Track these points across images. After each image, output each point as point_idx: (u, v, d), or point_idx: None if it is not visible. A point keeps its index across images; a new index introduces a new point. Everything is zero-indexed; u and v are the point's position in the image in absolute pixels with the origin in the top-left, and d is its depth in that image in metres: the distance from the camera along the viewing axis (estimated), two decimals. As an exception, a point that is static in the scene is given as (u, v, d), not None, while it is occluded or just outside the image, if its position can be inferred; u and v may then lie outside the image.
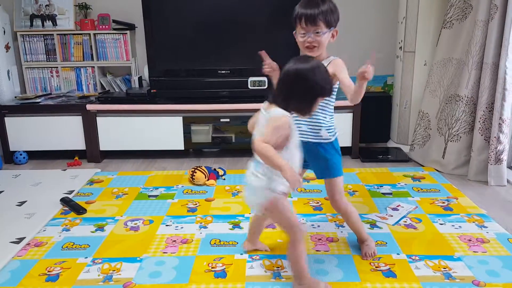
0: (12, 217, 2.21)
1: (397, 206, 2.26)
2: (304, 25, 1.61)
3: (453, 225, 2.05)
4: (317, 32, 1.61)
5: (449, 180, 2.63)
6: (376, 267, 1.72)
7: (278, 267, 1.72)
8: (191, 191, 2.52)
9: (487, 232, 1.97)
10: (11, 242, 1.95)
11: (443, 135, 2.81)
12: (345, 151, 3.05)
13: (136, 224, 2.12)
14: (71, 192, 2.51)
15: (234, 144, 3.10)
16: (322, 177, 1.75)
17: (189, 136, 3.06)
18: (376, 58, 1.45)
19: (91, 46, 3.34)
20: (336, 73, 1.61)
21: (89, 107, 3.00)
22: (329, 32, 1.64)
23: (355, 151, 3.09)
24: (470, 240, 1.91)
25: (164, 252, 1.85)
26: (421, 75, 3.06)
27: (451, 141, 2.76)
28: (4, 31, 3.20)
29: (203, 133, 3.06)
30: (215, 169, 2.71)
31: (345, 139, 3.04)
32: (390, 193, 2.44)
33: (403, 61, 3.14)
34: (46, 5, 3.29)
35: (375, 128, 3.36)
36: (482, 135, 2.61)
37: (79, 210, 2.26)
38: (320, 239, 1.95)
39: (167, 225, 2.10)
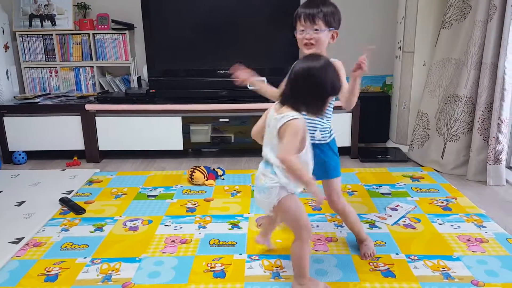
0: (11, 217, 2.21)
1: (396, 206, 2.26)
2: (303, 22, 1.63)
3: (452, 225, 2.05)
4: (316, 30, 1.62)
5: (448, 180, 2.63)
6: (375, 267, 1.72)
7: (277, 267, 1.72)
8: (190, 191, 2.52)
9: (486, 232, 1.98)
10: (10, 242, 1.95)
11: (442, 135, 2.81)
12: (344, 151, 3.05)
13: (135, 224, 2.12)
14: (70, 192, 2.51)
15: (233, 144, 3.10)
16: (320, 178, 1.75)
17: (188, 136, 3.06)
18: (373, 53, 1.45)
19: (90, 46, 3.33)
20: None
21: (88, 107, 3.00)
22: (328, 31, 1.64)
23: (354, 151, 3.09)
24: (469, 240, 1.91)
25: (163, 252, 1.85)
26: (420, 75, 3.07)
27: (450, 141, 2.76)
28: (3, 31, 3.20)
29: (202, 133, 3.06)
30: (214, 169, 2.71)
31: (344, 139, 3.04)
32: (389, 193, 2.45)
33: (402, 61, 3.14)
34: (45, 5, 3.29)
35: (374, 128, 3.36)
36: (481, 135, 2.61)
37: (78, 210, 2.25)
38: (319, 239, 1.95)
39: (166, 225, 2.10)
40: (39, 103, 3.06)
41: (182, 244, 1.92)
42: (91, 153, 3.07)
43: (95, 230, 2.07)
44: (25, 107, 3.04)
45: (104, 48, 3.35)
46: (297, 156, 1.40)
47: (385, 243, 1.90)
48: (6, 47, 3.22)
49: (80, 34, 3.32)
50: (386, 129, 3.42)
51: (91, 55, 3.35)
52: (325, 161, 1.70)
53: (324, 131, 1.70)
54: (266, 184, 1.47)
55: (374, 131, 3.37)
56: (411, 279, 1.64)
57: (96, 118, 3.01)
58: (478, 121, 2.60)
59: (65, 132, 3.05)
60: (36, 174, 2.83)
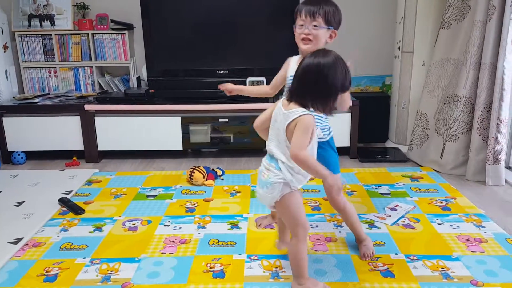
0: (10, 217, 2.21)
1: (395, 206, 2.26)
2: (303, 17, 1.63)
3: (451, 225, 2.05)
4: (315, 26, 1.62)
5: (447, 180, 2.63)
6: (374, 267, 1.72)
7: (277, 267, 1.72)
8: (190, 191, 2.52)
9: (485, 232, 1.98)
10: (9, 242, 1.94)
11: (441, 135, 2.81)
12: (344, 151, 3.06)
13: (134, 224, 2.12)
14: (69, 192, 2.50)
15: (233, 144, 3.10)
16: None
17: (187, 136, 3.06)
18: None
19: (89, 46, 3.33)
20: None
21: (87, 107, 2.99)
22: (327, 29, 1.64)
23: (354, 151, 3.09)
24: (468, 240, 1.91)
25: (162, 253, 1.85)
26: (419, 75, 3.07)
27: (449, 141, 2.77)
28: (2, 31, 3.19)
29: (201, 133, 3.06)
30: (213, 169, 2.71)
31: (343, 139, 3.04)
32: (388, 193, 2.45)
33: (401, 61, 3.14)
34: (44, 5, 3.29)
35: (374, 128, 3.36)
36: (480, 135, 2.61)
37: (77, 210, 2.25)
38: (318, 239, 1.95)
39: (165, 225, 2.10)
40: (38, 103, 3.06)
41: (181, 244, 1.92)
42: (90, 153, 3.07)
43: (94, 230, 2.06)
44: (24, 107, 3.04)
45: (103, 48, 3.35)
46: (307, 151, 1.39)
47: (384, 243, 1.90)
48: (5, 47, 3.22)
49: (79, 34, 3.32)
50: (385, 129, 3.42)
51: (90, 55, 3.35)
52: (326, 158, 1.71)
53: (324, 129, 1.71)
54: (270, 179, 1.47)
55: (373, 131, 3.37)
56: (410, 279, 1.64)
57: (95, 118, 3.01)
58: (477, 121, 2.60)
59: (64, 132, 3.05)
60: (35, 174, 2.83)
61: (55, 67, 3.38)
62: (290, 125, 1.40)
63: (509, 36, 2.39)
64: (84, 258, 1.82)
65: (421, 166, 2.91)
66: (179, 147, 3.08)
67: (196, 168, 2.61)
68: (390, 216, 2.15)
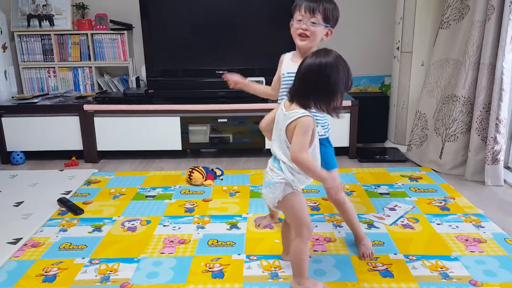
0: (9, 217, 2.20)
1: (395, 206, 2.26)
2: (302, 12, 1.62)
3: (450, 225, 2.05)
4: (313, 22, 1.62)
5: (446, 180, 2.63)
6: (373, 267, 1.73)
7: (276, 268, 1.72)
8: (189, 191, 2.52)
9: (484, 232, 1.98)
10: (8, 242, 1.94)
11: (440, 135, 2.82)
12: (343, 151, 3.06)
13: (133, 224, 2.12)
14: (68, 192, 2.50)
15: (232, 144, 3.10)
16: None
17: (186, 136, 3.06)
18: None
19: (88, 46, 3.33)
20: None
21: (87, 107, 2.99)
22: (324, 27, 1.64)
23: (353, 151, 3.09)
24: (467, 240, 1.91)
25: (161, 253, 1.85)
26: (418, 76, 3.07)
27: (448, 141, 2.77)
28: (1, 31, 3.19)
29: (200, 133, 3.06)
30: (212, 169, 2.71)
31: (342, 139, 3.04)
32: (388, 193, 2.45)
33: (400, 62, 3.14)
34: (43, 5, 3.29)
35: (373, 128, 3.36)
36: (479, 135, 2.61)
37: (76, 210, 2.25)
38: (317, 239, 1.95)
39: (164, 226, 2.10)
40: (37, 104, 3.06)
41: (180, 245, 1.92)
42: (89, 153, 3.07)
43: (93, 231, 2.06)
44: (23, 108, 3.03)
45: (103, 48, 3.35)
46: (307, 153, 1.40)
47: (384, 243, 1.91)
48: (4, 47, 3.22)
49: (78, 34, 3.31)
50: (384, 129, 3.42)
51: (89, 55, 3.35)
52: (325, 154, 1.71)
53: (324, 126, 1.72)
54: (272, 180, 1.48)
55: (372, 131, 3.37)
56: (409, 279, 1.64)
57: (94, 118, 3.01)
58: (476, 121, 2.60)
59: (63, 132, 3.04)
60: (34, 175, 2.82)
61: (54, 67, 3.38)
62: (289, 125, 1.40)
63: (508, 36, 2.40)
64: (83, 258, 1.82)
65: (420, 166, 2.91)
66: (178, 147, 3.08)
67: (195, 168, 2.61)
68: (389, 216, 2.15)
